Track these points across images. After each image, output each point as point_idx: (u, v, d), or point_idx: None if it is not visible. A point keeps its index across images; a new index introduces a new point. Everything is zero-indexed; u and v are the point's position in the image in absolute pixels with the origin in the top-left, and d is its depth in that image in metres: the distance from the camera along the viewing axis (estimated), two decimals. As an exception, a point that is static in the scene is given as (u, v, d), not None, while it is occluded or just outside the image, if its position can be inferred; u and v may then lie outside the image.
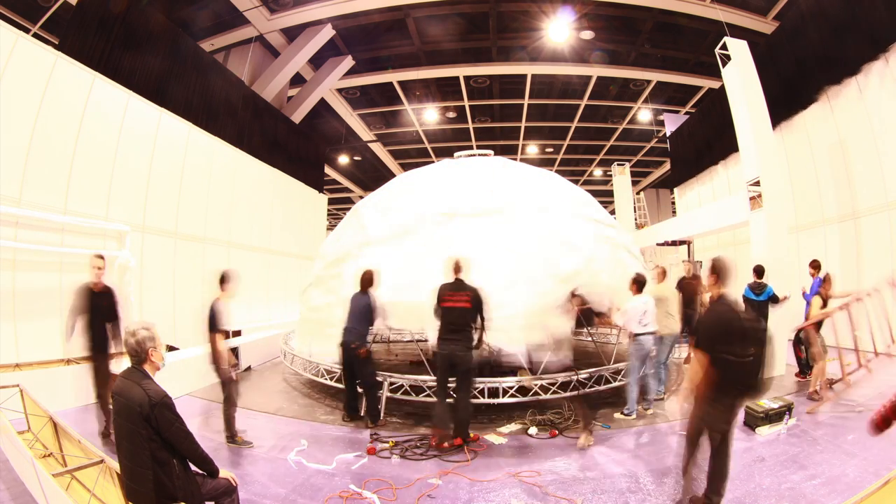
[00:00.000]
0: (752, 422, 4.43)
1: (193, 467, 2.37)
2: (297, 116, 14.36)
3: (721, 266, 3.00)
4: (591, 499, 3.22)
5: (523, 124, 17.94)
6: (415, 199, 6.57)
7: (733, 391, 2.82)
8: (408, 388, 5.13)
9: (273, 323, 11.27)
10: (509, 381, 5.04)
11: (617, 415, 5.04)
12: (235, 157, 10.94)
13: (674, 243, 13.49)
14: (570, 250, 5.74)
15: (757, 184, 7.08)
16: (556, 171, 12.19)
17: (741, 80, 7.31)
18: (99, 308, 4.25)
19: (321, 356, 6.02)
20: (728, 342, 2.73)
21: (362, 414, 4.98)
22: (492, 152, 8.21)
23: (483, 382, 4.98)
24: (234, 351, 7.40)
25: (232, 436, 4.29)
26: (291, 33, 12.30)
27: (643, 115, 16.76)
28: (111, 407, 3.89)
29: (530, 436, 4.55)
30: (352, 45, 13.11)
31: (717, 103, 11.78)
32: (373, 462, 3.90)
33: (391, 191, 7.37)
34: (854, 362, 5.37)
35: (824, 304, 5.61)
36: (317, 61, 13.55)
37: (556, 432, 4.55)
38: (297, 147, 14.33)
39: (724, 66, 7.63)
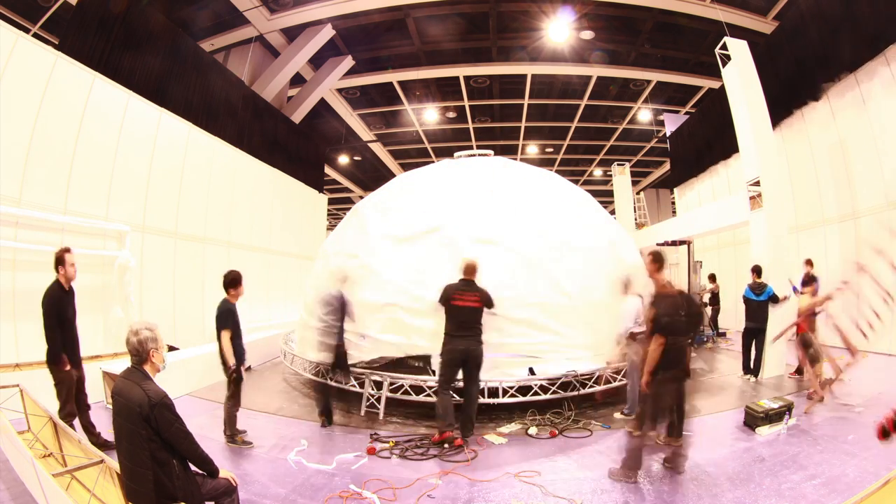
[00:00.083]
0: (752, 422, 4.43)
1: (193, 467, 2.37)
2: (297, 116, 14.36)
3: (659, 255, 3.63)
4: (591, 499, 3.22)
5: (523, 124, 17.94)
6: (414, 202, 6.57)
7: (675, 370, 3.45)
8: (408, 388, 5.13)
9: (273, 323, 11.27)
10: (510, 381, 5.04)
11: (617, 415, 5.04)
12: (235, 157, 10.93)
13: (674, 243, 13.48)
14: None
15: (757, 184, 7.08)
16: (556, 171, 12.19)
17: (741, 80, 7.31)
18: (72, 310, 3.92)
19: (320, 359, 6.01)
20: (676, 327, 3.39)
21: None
22: (492, 152, 8.22)
23: (483, 382, 4.98)
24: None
25: (233, 435, 4.28)
26: (291, 33, 12.30)
27: (643, 115, 16.76)
28: (88, 416, 3.90)
29: (530, 436, 4.55)
30: (352, 45, 13.11)
31: (717, 103, 11.78)
32: (373, 462, 3.90)
33: (391, 191, 7.38)
34: (846, 358, 5.35)
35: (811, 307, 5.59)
36: (317, 61, 13.56)
37: (556, 432, 4.55)
38: (297, 147, 14.33)
39: (724, 66, 7.63)
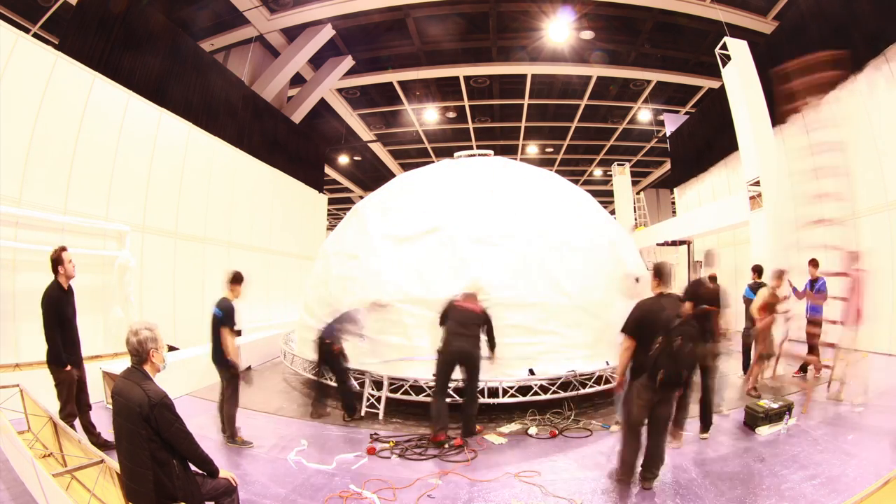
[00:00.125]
0: (752, 422, 4.43)
1: (193, 467, 2.37)
2: (297, 116, 14.35)
3: (661, 270, 3.53)
4: (591, 499, 3.23)
5: (523, 124, 17.93)
6: (414, 202, 6.57)
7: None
8: (408, 389, 5.13)
9: (273, 323, 11.27)
10: (510, 382, 5.04)
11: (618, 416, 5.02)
12: (235, 157, 10.93)
13: (674, 243, 13.49)
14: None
15: (757, 184, 7.09)
16: (556, 171, 12.19)
17: (741, 80, 7.31)
18: (72, 309, 3.90)
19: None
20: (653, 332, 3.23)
21: (328, 410, 5.26)
22: (492, 152, 8.22)
23: (483, 382, 4.98)
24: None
25: (232, 435, 4.28)
26: (291, 33, 12.30)
27: (643, 115, 16.76)
28: (89, 417, 3.91)
29: (530, 436, 4.55)
30: (352, 45, 13.11)
31: (717, 103, 11.77)
32: (373, 462, 3.90)
33: (391, 191, 7.38)
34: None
35: (770, 302, 5.58)
36: (317, 61, 13.55)
37: (556, 432, 4.55)
38: (297, 147, 14.32)
39: (724, 66, 7.64)
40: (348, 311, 5.35)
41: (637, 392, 3.24)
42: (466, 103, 16.21)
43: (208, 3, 10.58)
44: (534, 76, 14.31)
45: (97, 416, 4.17)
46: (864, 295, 5.35)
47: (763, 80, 7.41)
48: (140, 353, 2.30)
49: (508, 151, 19.82)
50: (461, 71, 14.08)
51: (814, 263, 6.33)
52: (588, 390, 5.16)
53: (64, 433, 3.39)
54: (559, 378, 5.10)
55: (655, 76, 13.98)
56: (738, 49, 7.40)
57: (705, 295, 4.69)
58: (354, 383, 5.21)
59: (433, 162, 10.50)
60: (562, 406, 5.14)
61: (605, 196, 20.74)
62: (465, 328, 4.50)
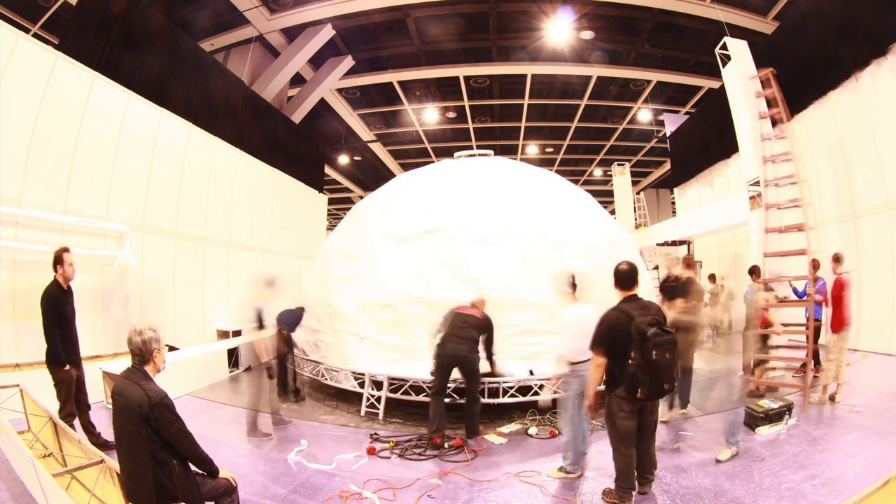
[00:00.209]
0: (752, 422, 4.43)
1: (193, 467, 2.37)
2: (297, 116, 14.35)
3: (621, 273, 3.17)
4: (591, 499, 3.23)
5: (523, 124, 17.93)
6: (414, 202, 6.57)
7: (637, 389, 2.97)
8: (408, 389, 5.13)
9: (273, 323, 11.25)
10: (510, 382, 5.04)
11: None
12: (235, 157, 10.93)
13: (674, 243, 13.49)
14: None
15: (757, 184, 7.08)
16: (556, 171, 12.18)
17: (741, 80, 7.30)
18: (71, 309, 3.92)
19: (321, 358, 6.02)
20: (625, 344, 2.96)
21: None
22: (492, 152, 8.21)
23: (483, 382, 4.98)
24: (235, 351, 7.43)
25: (254, 429, 4.47)
26: (291, 33, 12.29)
27: (643, 115, 16.76)
28: (90, 417, 3.93)
29: (530, 436, 4.55)
30: (352, 45, 13.10)
31: (717, 103, 11.77)
32: (373, 462, 3.90)
33: (391, 191, 7.38)
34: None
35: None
36: (317, 61, 13.55)
37: (556, 432, 4.54)
38: (297, 147, 14.32)
39: (724, 66, 7.63)
40: (293, 309, 5.98)
41: (618, 404, 3.06)
42: (466, 103, 16.21)
43: (208, 3, 10.57)
44: (534, 76, 14.30)
45: (97, 416, 4.17)
46: (848, 298, 5.32)
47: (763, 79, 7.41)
48: (143, 353, 2.30)
49: (508, 151, 19.82)
50: (461, 71, 14.07)
51: (814, 265, 6.32)
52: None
53: (64, 433, 3.39)
54: (559, 378, 5.09)
55: (655, 76, 13.98)
56: (738, 49, 7.39)
57: (679, 289, 4.68)
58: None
59: (433, 162, 10.50)
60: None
61: (605, 196, 20.73)
62: (462, 331, 4.50)
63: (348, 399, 5.60)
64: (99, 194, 7.19)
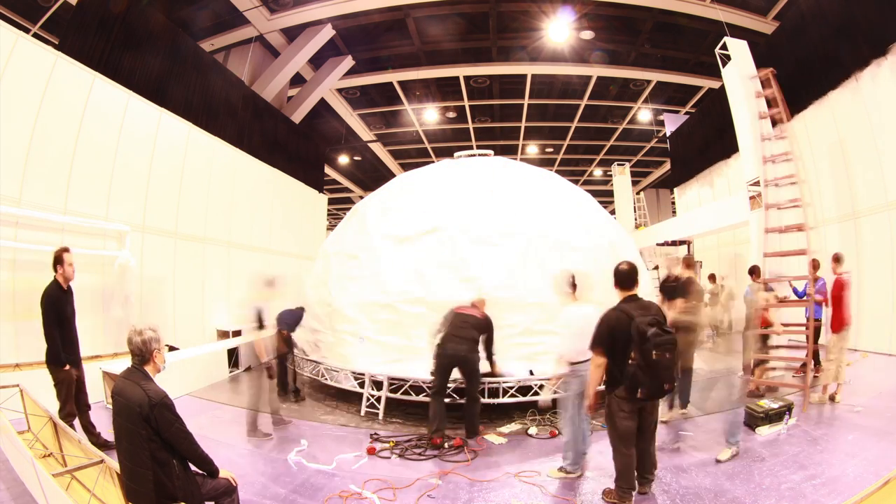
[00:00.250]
0: (752, 422, 4.43)
1: (193, 467, 2.37)
2: (297, 116, 14.35)
3: (621, 273, 3.16)
4: (591, 499, 3.23)
5: (523, 124, 17.93)
6: (414, 202, 6.57)
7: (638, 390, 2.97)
8: (408, 389, 5.13)
9: (273, 323, 11.25)
10: (510, 381, 5.04)
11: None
12: (235, 157, 10.93)
13: (674, 243, 13.48)
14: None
15: (757, 184, 7.08)
16: (556, 171, 12.18)
17: (741, 80, 7.30)
18: (71, 309, 3.92)
19: (321, 358, 6.02)
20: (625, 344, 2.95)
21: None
22: (492, 152, 8.21)
23: (483, 382, 4.98)
24: (235, 351, 7.43)
25: (254, 429, 4.50)
26: (291, 33, 12.29)
27: (643, 115, 16.76)
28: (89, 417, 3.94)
29: (530, 436, 4.55)
30: (352, 45, 13.10)
31: (717, 103, 11.76)
32: (373, 462, 3.90)
33: (391, 191, 7.38)
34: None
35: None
36: (317, 61, 13.55)
37: (556, 432, 4.54)
38: (297, 147, 14.32)
39: (724, 66, 7.63)
40: (293, 309, 6.03)
41: (618, 404, 3.05)
42: (466, 103, 16.21)
43: (208, 3, 10.57)
44: (534, 76, 14.30)
45: (97, 416, 4.17)
46: (848, 298, 5.34)
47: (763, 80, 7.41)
48: (143, 353, 2.30)
49: (508, 151, 19.82)
50: (461, 71, 14.07)
51: (815, 265, 6.32)
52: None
53: (64, 433, 3.39)
54: (559, 378, 5.09)
55: (655, 76, 13.98)
56: (738, 49, 7.39)
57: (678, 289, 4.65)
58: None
59: (433, 162, 10.51)
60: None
61: (605, 196, 20.73)
62: (461, 330, 4.50)
63: (348, 399, 5.60)
64: (99, 194, 7.19)
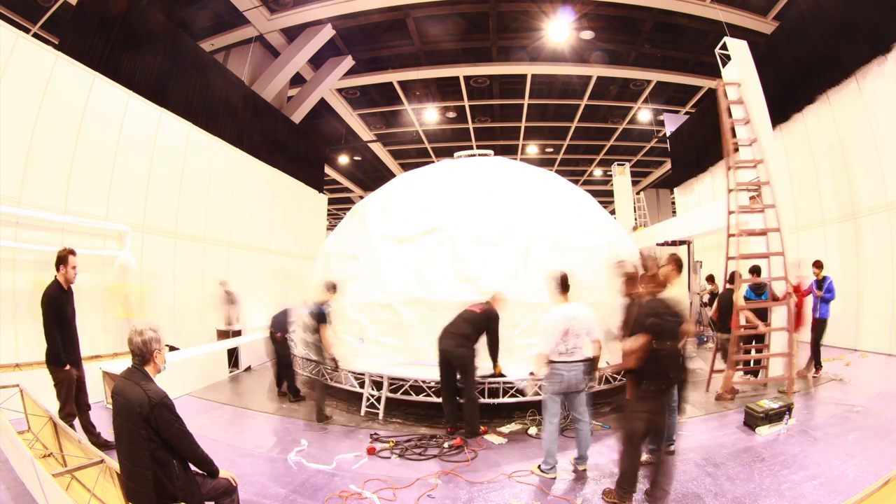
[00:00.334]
0: (752, 422, 4.43)
1: (193, 467, 2.37)
2: (297, 116, 14.36)
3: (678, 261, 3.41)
4: (591, 499, 3.23)
5: (523, 124, 17.93)
6: (414, 202, 6.57)
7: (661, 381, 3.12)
8: (408, 389, 5.13)
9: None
10: (510, 380, 5.04)
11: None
12: (235, 157, 10.94)
13: (674, 243, 13.48)
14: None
15: (756, 183, 7.07)
16: (556, 171, 12.19)
17: (741, 79, 7.29)
18: (72, 309, 3.92)
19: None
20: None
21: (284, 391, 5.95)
22: (492, 152, 8.21)
23: (484, 382, 4.98)
24: (235, 351, 7.43)
25: (323, 416, 4.91)
26: (291, 33, 12.30)
27: (643, 115, 16.76)
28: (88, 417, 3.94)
29: (530, 436, 4.55)
30: (352, 45, 13.11)
31: (717, 103, 11.74)
32: (373, 462, 3.90)
33: (391, 191, 7.38)
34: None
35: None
36: (317, 61, 13.55)
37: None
38: (297, 147, 14.33)
39: (724, 66, 7.62)
40: (289, 308, 6.07)
41: (636, 404, 3.07)
42: (466, 103, 16.21)
43: (208, 3, 10.58)
44: (534, 76, 14.31)
45: (97, 416, 4.17)
46: (804, 301, 5.79)
47: (763, 80, 7.40)
48: (144, 353, 2.30)
49: (508, 151, 19.82)
50: (461, 71, 14.07)
51: (818, 265, 6.33)
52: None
53: (64, 433, 3.39)
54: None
55: (655, 76, 13.98)
56: (738, 49, 7.37)
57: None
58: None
59: (433, 162, 10.51)
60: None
61: (605, 196, 20.74)
62: (455, 327, 4.53)
63: (348, 399, 5.60)
64: (99, 194, 7.20)
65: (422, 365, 5.18)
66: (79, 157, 6.80)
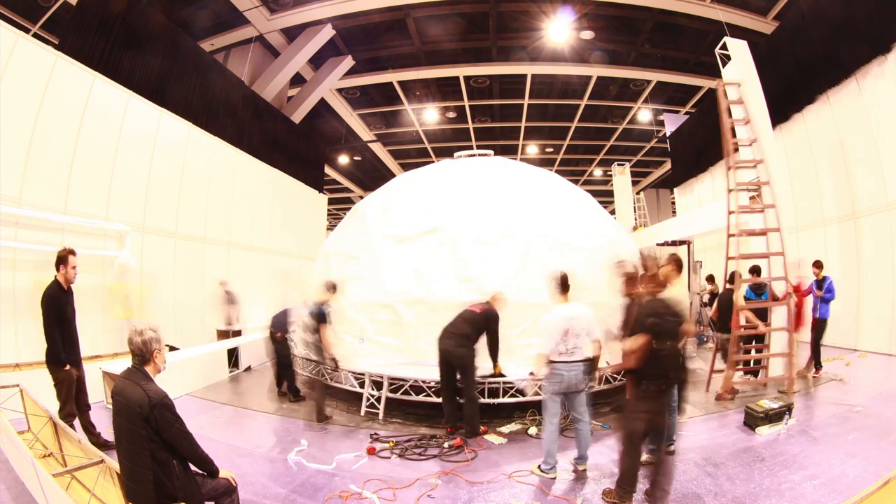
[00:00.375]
0: (752, 422, 4.43)
1: (193, 467, 2.37)
2: (297, 116, 14.36)
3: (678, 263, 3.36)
4: (591, 499, 3.23)
5: (523, 124, 17.94)
6: (414, 202, 6.57)
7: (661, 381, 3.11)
8: (408, 389, 5.13)
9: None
10: (510, 380, 5.04)
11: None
12: (235, 157, 10.94)
13: (674, 243, 13.47)
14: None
15: (756, 183, 7.07)
16: (556, 171, 12.19)
17: (741, 80, 7.29)
18: (72, 309, 3.91)
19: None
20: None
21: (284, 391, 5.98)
22: (492, 152, 8.21)
23: (484, 382, 4.98)
24: (235, 351, 7.43)
25: (323, 417, 4.92)
26: (291, 33, 12.30)
27: (643, 115, 16.76)
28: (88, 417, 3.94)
29: (530, 436, 4.55)
30: (352, 45, 13.11)
31: (717, 103, 11.74)
32: (373, 462, 3.90)
33: (391, 191, 7.38)
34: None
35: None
36: (317, 61, 13.55)
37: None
38: (297, 147, 14.33)
39: (724, 66, 7.62)
40: (288, 308, 6.10)
41: (637, 404, 3.06)
42: (466, 103, 16.21)
43: (208, 3, 10.58)
44: (534, 76, 14.31)
45: (97, 416, 4.17)
46: (804, 301, 5.84)
47: (763, 80, 7.41)
48: (144, 353, 2.30)
49: (508, 151, 19.82)
50: (461, 71, 14.07)
51: (818, 265, 6.33)
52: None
53: (64, 433, 3.39)
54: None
55: (655, 76, 13.98)
56: (738, 49, 7.36)
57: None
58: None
59: (433, 162, 10.50)
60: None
61: (605, 196, 20.74)
62: (454, 327, 4.53)
63: (348, 399, 5.60)
64: (99, 194, 7.20)
65: (422, 365, 5.18)
66: (79, 157, 6.80)
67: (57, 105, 6.44)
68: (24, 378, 4.07)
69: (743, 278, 5.97)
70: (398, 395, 5.12)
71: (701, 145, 13.66)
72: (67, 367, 3.78)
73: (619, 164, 17.67)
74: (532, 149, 20.71)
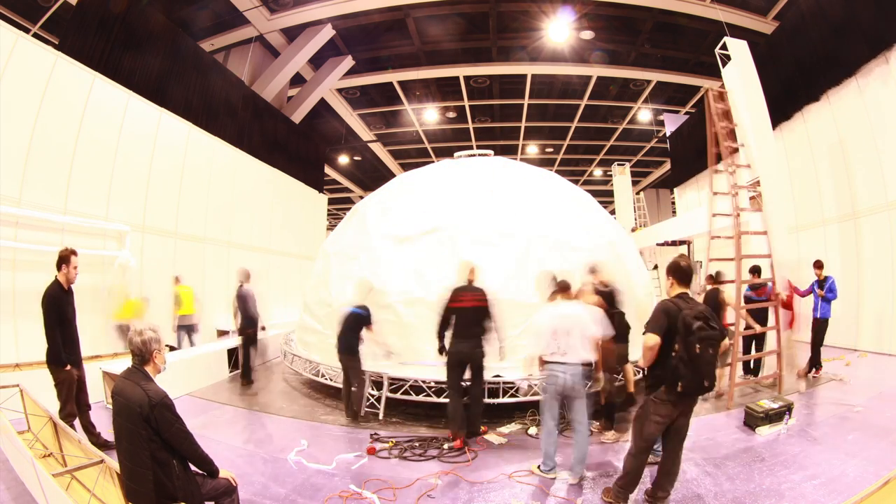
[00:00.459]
0: (752, 422, 4.43)
1: (193, 467, 2.37)
2: (297, 116, 14.36)
3: (680, 269, 3.05)
4: (591, 499, 3.23)
5: (523, 124, 17.94)
6: (414, 202, 6.57)
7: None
8: (408, 388, 5.13)
9: (273, 323, 11.26)
10: (509, 379, 5.04)
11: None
12: (235, 157, 10.94)
13: (674, 243, 13.48)
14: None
15: (757, 184, 7.08)
16: (556, 171, 12.19)
17: (741, 80, 7.29)
18: (72, 309, 3.90)
19: (321, 358, 6.02)
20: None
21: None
22: (492, 152, 8.21)
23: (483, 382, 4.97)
24: (235, 351, 7.42)
25: (357, 413, 4.95)
26: (291, 33, 12.30)
27: (643, 115, 16.76)
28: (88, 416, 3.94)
29: (530, 436, 4.55)
30: (352, 45, 13.11)
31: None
32: (373, 462, 3.90)
33: (391, 191, 7.38)
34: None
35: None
36: (317, 61, 13.56)
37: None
38: (297, 147, 14.33)
39: (724, 66, 7.63)
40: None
41: (654, 408, 2.94)
42: (466, 103, 16.22)
43: (208, 3, 10.58)
44: (534, 76, 14.31)
45: (97, 416, 4.17)
46: (797, 300, 5.94)
47: (763, 80, 7.41)
48: (143, 353, 2.30)
49: (508, 151, 19.82)
50: (461, 71, 14.08)
51: (818, 265, 6.34)
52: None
53: (64, 433, 3.39)
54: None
55: (655, 76, 13.98)
56: (738, 49, 7.37)
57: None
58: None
59: (433, 162, 10.50)
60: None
61: (605, 196, 20.74)
62: (468, 331, 4.46)
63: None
64: (99, 194, 7.20)
65: (422, 365, 5.18)
66: (79, 157, 6.80)
67: (57, 105, 6.44)
68: (24, 378, 4.07)
69: (743, 279, 5.96)
70: (398, 395, 5.12)
71: (701, 145, 13.58)
72: (68, 367, 3.78)
73: (619, 164, 17.68)
74: (532, 149, 20.71)
